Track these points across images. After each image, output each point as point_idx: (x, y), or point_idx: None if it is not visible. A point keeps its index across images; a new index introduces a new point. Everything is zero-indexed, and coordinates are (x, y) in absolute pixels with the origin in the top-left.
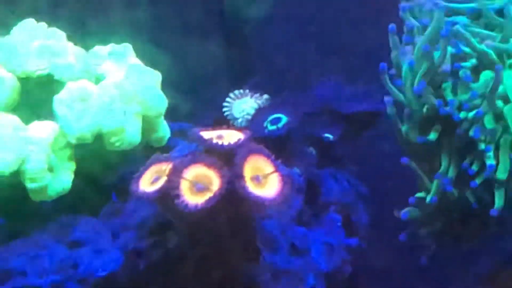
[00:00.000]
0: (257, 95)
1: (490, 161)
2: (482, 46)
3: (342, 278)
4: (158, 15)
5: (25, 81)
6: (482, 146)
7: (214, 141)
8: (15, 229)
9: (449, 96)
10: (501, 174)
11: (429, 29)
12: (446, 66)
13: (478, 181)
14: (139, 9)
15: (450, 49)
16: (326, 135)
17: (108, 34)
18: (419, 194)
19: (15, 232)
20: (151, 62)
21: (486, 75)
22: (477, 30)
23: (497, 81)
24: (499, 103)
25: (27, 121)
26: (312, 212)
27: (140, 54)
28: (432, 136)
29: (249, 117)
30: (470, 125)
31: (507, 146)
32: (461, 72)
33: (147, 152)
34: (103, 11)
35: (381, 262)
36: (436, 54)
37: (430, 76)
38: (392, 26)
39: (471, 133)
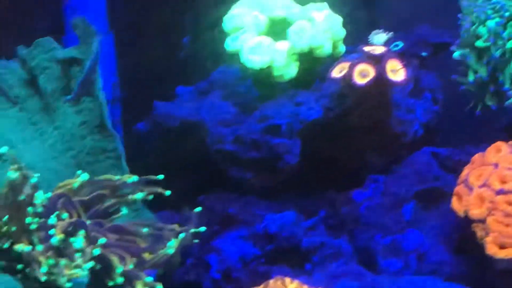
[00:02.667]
0: (387, 32)
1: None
2: None
3: (430, 125)
4: None
5: (271, 21)
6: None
7: (371, 52)
8: (267, 97)
9: None
10: None
11: None
12: None
13: None
14: None
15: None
16: (423, 53)
17: None
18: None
19: (267, 99)
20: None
21: None
22: None
23: None
24: None
25: (275, 40)
26: (416, 91)
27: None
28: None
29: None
30: None
31: None
32: None
33: (333, 60)
34: None
35: (448, 117)
36: None
37: None
38: None
39: None
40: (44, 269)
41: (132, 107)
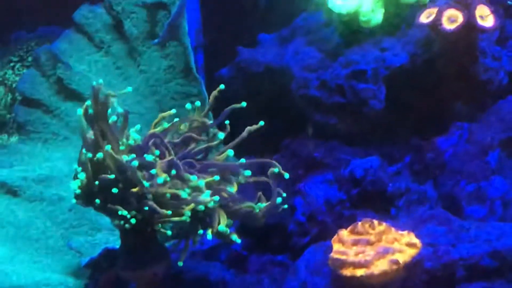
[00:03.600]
0: None
1: None
2: None
3: None
4: None
5: None
6: None
7: None
8: (353, 43)
9: None
10: None
11: None
12: None
13: None
14: None
15: None
16: (508, 1)
17: None
18: None
19: (352, 45)
20: None
21: None
22: None
23: None
24: None
25: None
26: (501, 39)
27: None
28: None
29: None
30: None
31: None
32: None
33: (418, 6)
34: None
35: None
36: None
37: None
38: None
39: None
40: (186, 192)
41: (214, 53)
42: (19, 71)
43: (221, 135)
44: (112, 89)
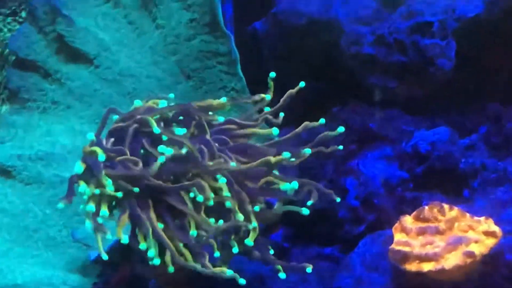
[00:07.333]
0: None
1: None
2: None
3: None
4: None
5: None
6: None
7: None
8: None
9: None
10: None
11: None
12: None
13: None
14: None
15: None
16: None
17: None
18: None
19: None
20: None
21: None
22: None
23: None
24: None
25: None
26: None
27: None
28: None
29: None
30: None
31: None
32: None
33: None
34: None
35: None
36: None
37: None
38: None
39: None
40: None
41: (245, 3)
42: (10, 25)
43: (276, 131)
44: (123, 47)
